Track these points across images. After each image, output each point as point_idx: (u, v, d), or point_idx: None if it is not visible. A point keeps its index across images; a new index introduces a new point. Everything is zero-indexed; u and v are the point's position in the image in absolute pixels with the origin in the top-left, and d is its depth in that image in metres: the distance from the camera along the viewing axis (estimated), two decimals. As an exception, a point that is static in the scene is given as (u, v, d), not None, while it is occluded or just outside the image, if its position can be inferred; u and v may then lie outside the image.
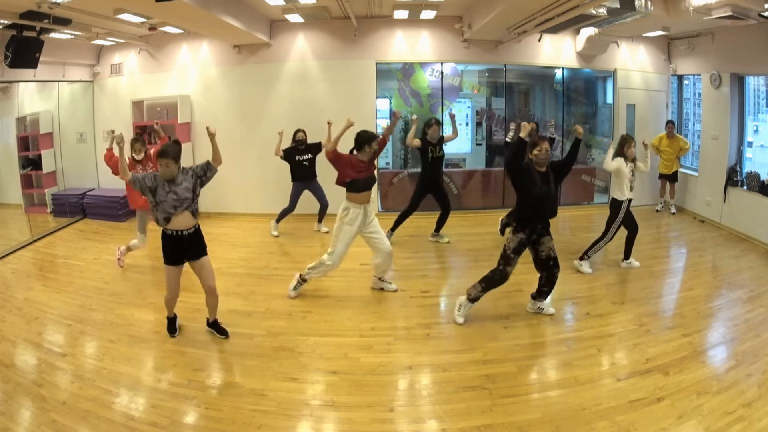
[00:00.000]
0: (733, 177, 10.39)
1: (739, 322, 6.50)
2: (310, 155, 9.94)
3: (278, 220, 10.29)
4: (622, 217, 8.11)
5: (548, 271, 6.45)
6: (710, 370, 5.40)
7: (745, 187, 10.23)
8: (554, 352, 5.86)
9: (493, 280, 6.38)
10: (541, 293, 6.64)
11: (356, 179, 6.82)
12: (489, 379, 5.27)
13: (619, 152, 8.00)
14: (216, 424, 4.62)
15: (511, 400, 4.94)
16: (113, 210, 11.66)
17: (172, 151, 5.57)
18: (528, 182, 6.17)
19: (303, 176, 9.96)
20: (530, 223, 6.23)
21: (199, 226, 5.83)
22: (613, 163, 8.05)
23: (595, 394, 4.98)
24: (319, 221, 10.52)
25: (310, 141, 9.93)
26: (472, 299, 6.50)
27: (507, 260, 6.30)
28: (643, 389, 5.03)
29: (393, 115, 7.74)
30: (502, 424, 4.57)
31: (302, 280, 7.26)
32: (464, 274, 8.17)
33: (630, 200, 8.08)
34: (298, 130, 9.94)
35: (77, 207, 11.88)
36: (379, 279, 7.53)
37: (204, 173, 5.84)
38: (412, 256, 8.96)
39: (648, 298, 7.18)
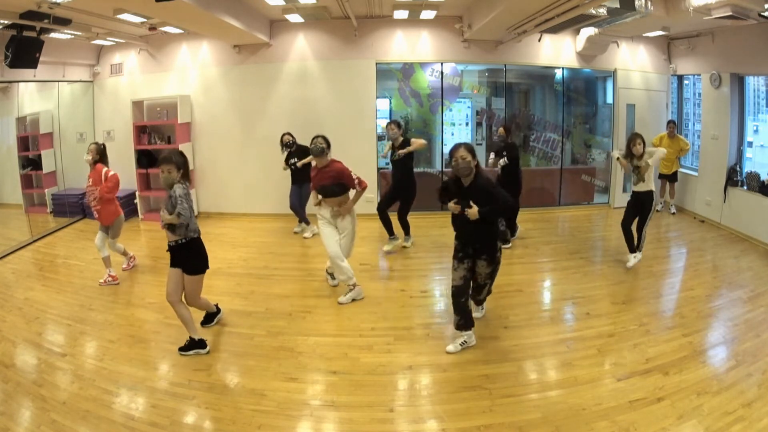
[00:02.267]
0: (733, 177, 10.39)
1: (739, 322, 6.49)
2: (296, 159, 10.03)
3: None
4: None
5: (474, 291, 6.21)
6: (710, 370, 5.40)
7: (745, 187, 10.23)
8: (554, 352, 5.84)
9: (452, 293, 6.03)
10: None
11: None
12: (489, 379, 5.27)
13: (627, 151, 8.07)
14: (216, 424, 4.62)
15: (510, 400, 4.94)
16: (113, 210, 11.59)
17: (175, 158, 5.62)
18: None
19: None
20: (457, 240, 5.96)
21: (185, 241, 5.70)
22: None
23: (595, 394, 4.98)
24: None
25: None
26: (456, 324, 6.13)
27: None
28: (643, 389, 5.03)
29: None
30: (502, 424, 4.57)
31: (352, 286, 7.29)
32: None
33: (633, 193, 8.23)
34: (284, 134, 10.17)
35: (77, 207, 11.87)
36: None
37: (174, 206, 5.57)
38: (411, 256, 8.96)
39: (648, 298, 7.18)
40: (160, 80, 12.10)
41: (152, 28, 10.17)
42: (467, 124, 12.98)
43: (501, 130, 9.29)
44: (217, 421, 4.67)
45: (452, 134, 12.88)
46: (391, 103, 12.44)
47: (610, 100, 12.81)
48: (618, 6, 7.63)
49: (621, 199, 10.14)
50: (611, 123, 12.59)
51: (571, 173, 12.51)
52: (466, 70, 12.49)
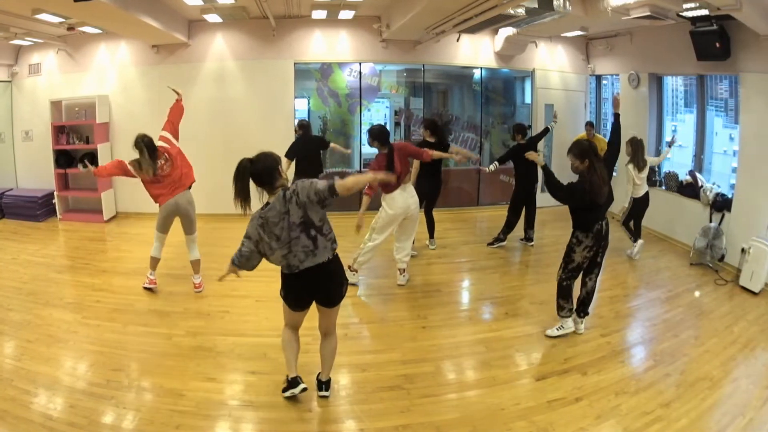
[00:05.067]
0: (652, 177, 10.56)
1: (657, 322, 6.68)
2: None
3: None
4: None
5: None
6: (628, 370, 5.55)
7: (663, 187, 10.52)
8: (472, 352, 5.94)
9: None
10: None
11: None
12: (407, 379, 5.33)
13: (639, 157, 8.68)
14: (134, 424, 4.59)
15: (429, 400, 5.00)
16: (32, 210, 11.43)
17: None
18: None
19: None
20: None
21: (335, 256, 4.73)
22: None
23: (513, 394, 5.07)
24: None
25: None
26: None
27: None
28: (562, 389, 5.14)
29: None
30: (421, 424, 4.63)
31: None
32: (383, 274, 8.21)
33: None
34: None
35: (-5, 207, 11.60)
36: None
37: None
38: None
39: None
40: (79, 80, 11.93)
41: (71, 28, 10.03)
42: (386, 124, 12.94)
43: (519, 138, 9.48)
44: (135, 421, 4.63)
45: (370, 134, 12.89)
46: (309, 103, 12.45)
47: (528, 100, 13.05)
48: (536, 6, 7.69)
49: (541, 200, 10.06)
50: (529, 123, 12.69)
51: (490, 174, 12.42)
52: (384, 70, 12.59)
